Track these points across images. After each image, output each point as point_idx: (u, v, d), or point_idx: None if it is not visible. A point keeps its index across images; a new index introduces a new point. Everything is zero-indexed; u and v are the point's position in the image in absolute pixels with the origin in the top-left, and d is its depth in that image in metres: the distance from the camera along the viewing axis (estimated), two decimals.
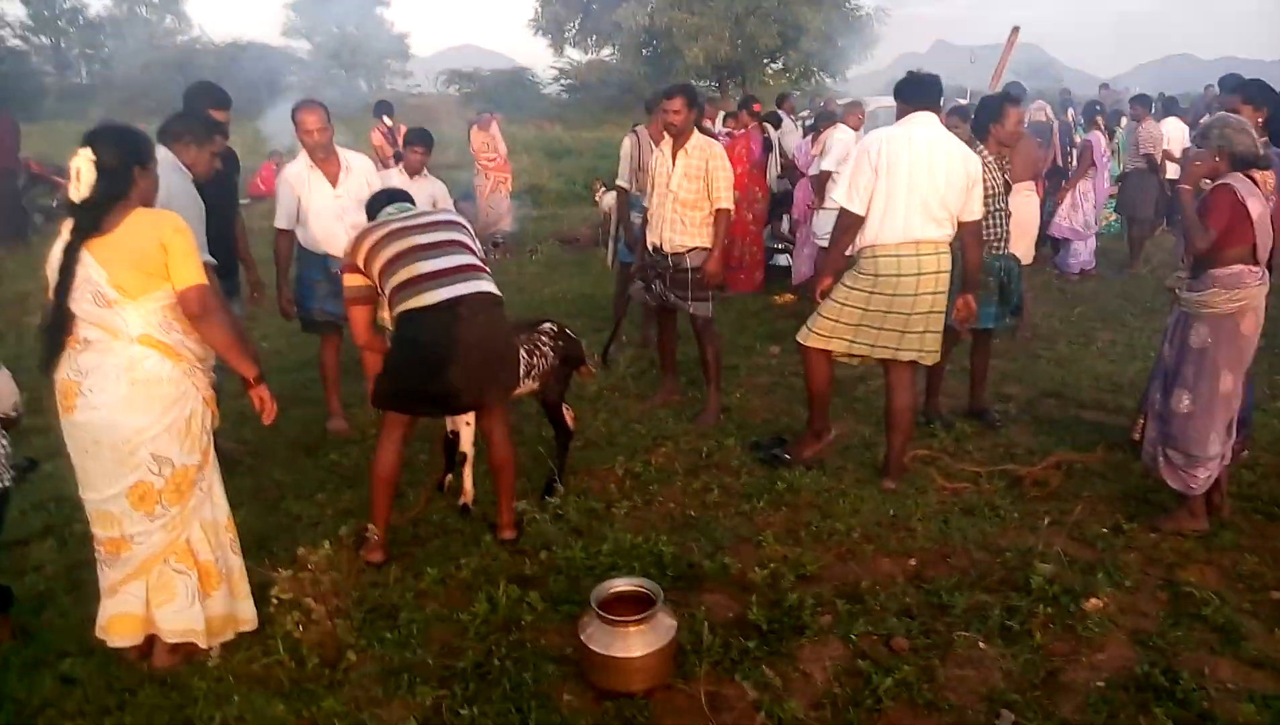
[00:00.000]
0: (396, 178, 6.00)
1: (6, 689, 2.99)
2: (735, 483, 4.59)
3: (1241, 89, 4.34)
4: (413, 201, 3.96)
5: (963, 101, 11.20)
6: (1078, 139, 11.90)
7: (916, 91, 4.46)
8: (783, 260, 9.42)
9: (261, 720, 2.78)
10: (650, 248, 5.44)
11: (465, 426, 4.18)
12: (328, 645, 3.10)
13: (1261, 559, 3.84)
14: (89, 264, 2.83)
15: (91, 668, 3.05)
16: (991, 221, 5.05)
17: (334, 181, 4.99)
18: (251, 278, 5.03)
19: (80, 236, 2.83)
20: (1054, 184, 10.17)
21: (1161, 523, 4.07)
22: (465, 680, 3.00)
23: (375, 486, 3.75)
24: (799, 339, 4.63)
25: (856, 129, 8.08)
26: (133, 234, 2.84)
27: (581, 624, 2.98)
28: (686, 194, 5.22)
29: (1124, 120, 10.81)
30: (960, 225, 4.40)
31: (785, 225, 9.62)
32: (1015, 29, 5.73)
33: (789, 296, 8.40)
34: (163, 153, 4.03)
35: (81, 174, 2.81)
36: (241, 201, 12.43)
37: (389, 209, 3.79)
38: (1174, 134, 9.94)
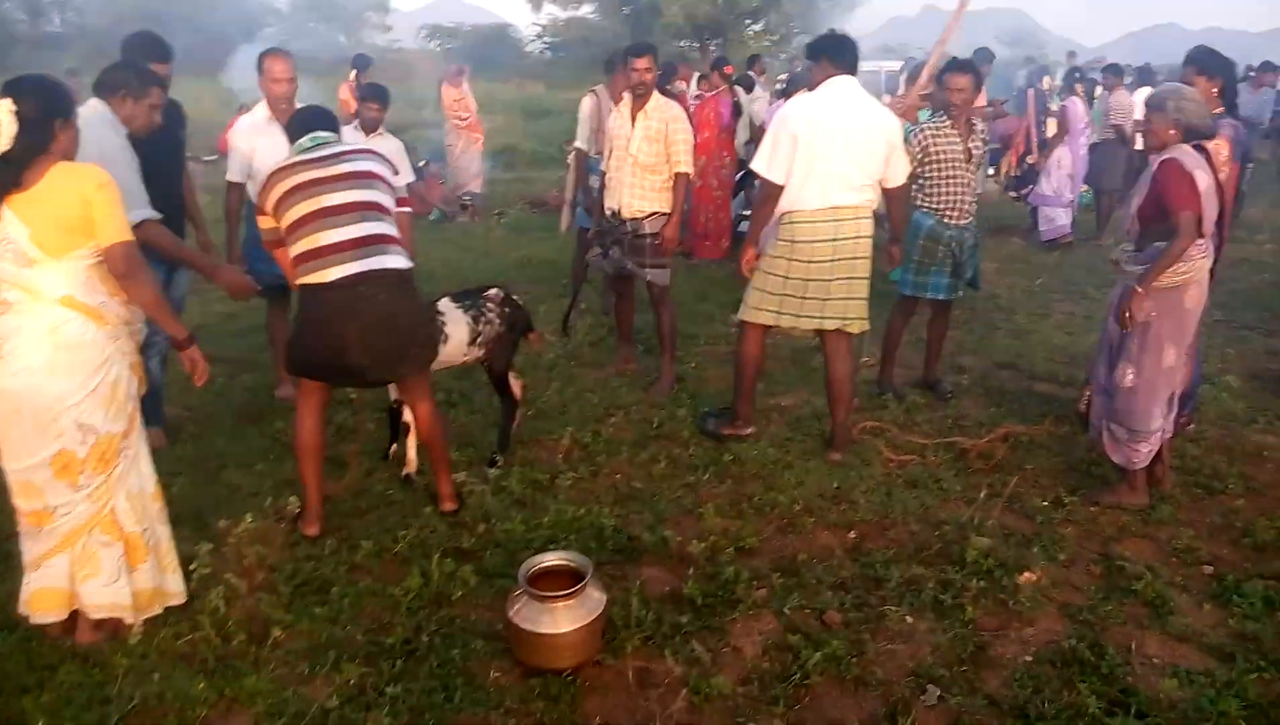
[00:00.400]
0: (352, 135, 5.88)
1: None
2: (684, 454, 4.57)
3: (1196, 60, 4.30)
4: (333, 124, 3.78)
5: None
6: (1054, 106, 11.86)
7: (837, 52, 4.34)
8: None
9: (182, 699, 2.75)
10: (608, 212, 5.37)
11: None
12: (254, 621, 3.08)
13: (1197, 533, 3.87)
14: (9, 221, 2.74)
15: (12, 644, 3.00)
16: (945, 189, 5.02)
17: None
18: (202, 239, 4.91)
19: None
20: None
21: (1102, 496, 4.09)
22: (393, 657, 2.98)
23: (300, 456, 3.70)
24: (737, 314, 4.60)
25: None
26: (54, 189, 2.75)
27: (510, 600, 2.96)
28: (646, 157, 5.14)
29: (1098, 89, 10.75)
30: (885, 191, 4.41)
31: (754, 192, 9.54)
32: None
33: None
34: (97, 106, 3.92)
35: (1, 126, 2.72)
36: (210, 157, 12.28)
37: (303, 140, 3.63)
38: None
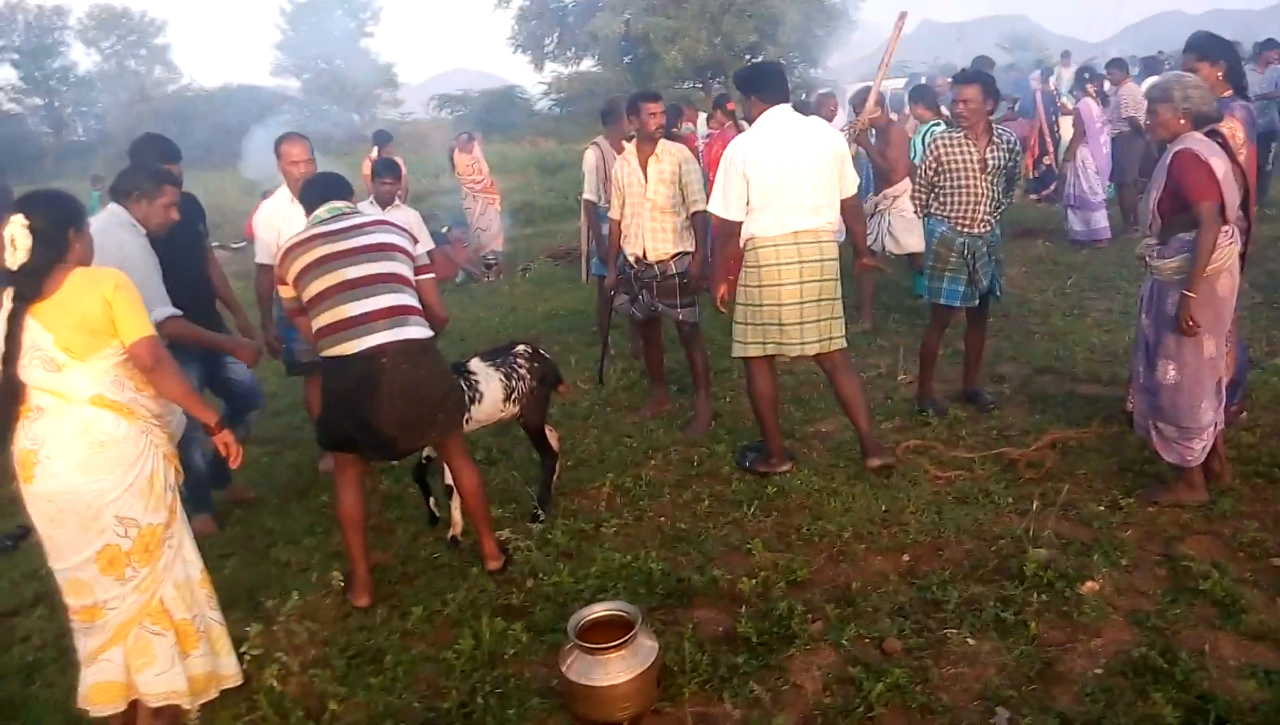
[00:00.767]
0: (369, 209, 5.97)
1: None
2: (726, 490, 4.53)
3: (1195, 47, 4.24)
4: (348, 192, 3.82)
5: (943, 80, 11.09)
6: (1067, 104, 11.79)
7: (763, 86, 4.49)
8: None
9: None
10: (631, 259, 5.40)
11: None
12: (310, 696, 3.07)
13: (1263, 525, 3.75)
14: (34, 329, 2.81)
15: None
16: (956, 198, 5.02)
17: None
18: (240, 322, 4.96)
19: (23, 302, 2.82)
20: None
21: (1159, 495, 3.98)
22: (450, 721, 2.96)
23: (345, 528, 3.72)
24: (732, 353, 4.68)
25: (830, 119, 8.01)
26: (75, 294, 2.83)
27: (562, 654, 2.93)
28: (663, 200, 5.20)
29: (1105, 85, 10.68)
30: (840, 203, 4.49)
31: None
32: (902, 14, 5.66)
33: None
34: (115, 210, 4.04)
35: (17, 241, 2.80)
36: (238, 245, 12.58)
37: (320, 211, 3.66)
38: None
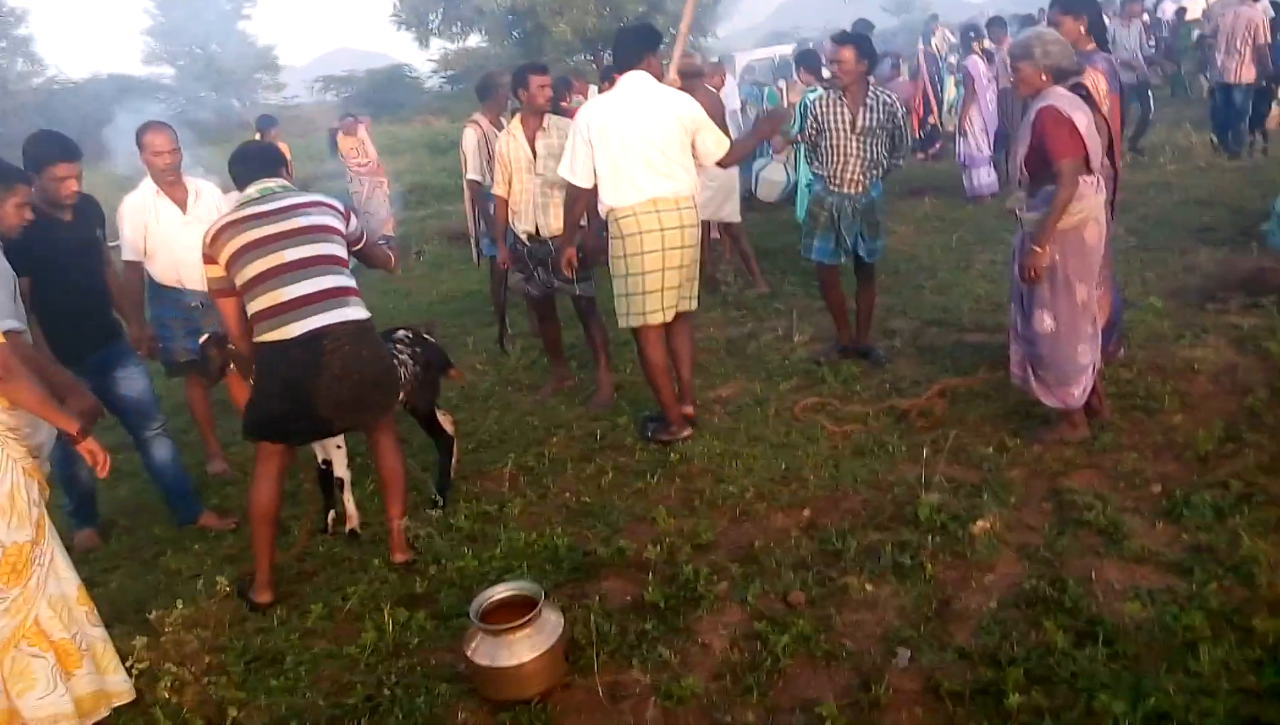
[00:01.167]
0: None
1: None
2: (630, 461, 4.52)
3: (1058, 1, 4.37)
4: (284, 166, 3.76)
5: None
6: (953, 60, 12.09)
7: (617, 53, 4.59)
8: None
9: None
10: (523, 236, 5.32)
11: (336, 449, 4.03)
12: (208, 705, 2.96)
13: (1141, 455, 3.92)
14: None
15: None
16: (830, 158, 5.15)
17: (183, 207, 4.74)
18: (134, 335, 4.56)
19: None
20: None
21: (1044, 435, 4.13)
22: (356, 716, 2.88)
23: (255, 524, 3.60)
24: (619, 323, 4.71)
25: (719, 88, 8.02)
26: None
27: (466, 639, 2.88)
28: (553, 175, 5.10)
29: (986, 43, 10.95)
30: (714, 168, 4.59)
31: None
32: None
33: None
34: None
35: None
36: (115, 243, 11.98)
37: (251, 191, 3.56)
38: None
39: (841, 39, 5.13)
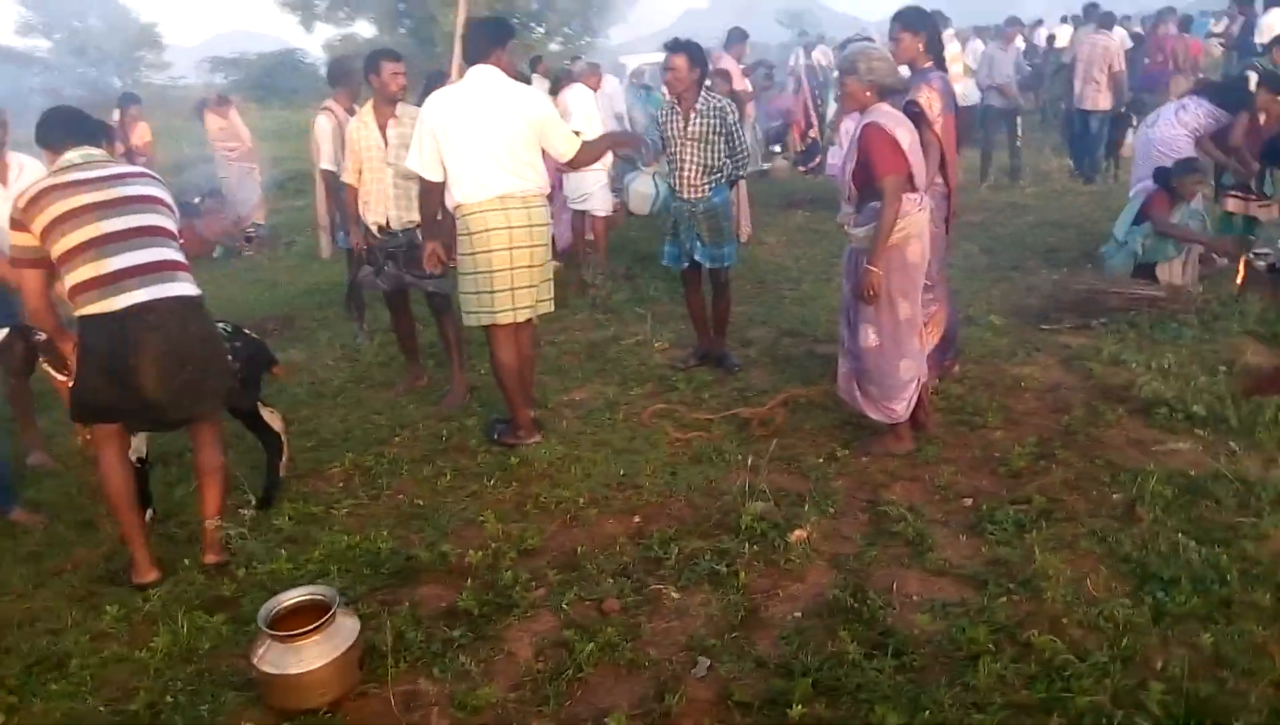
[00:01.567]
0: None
1: None
2: (470, 464, 4.46)
3: (900, 17, 4.49)
4: (101, 134, 3.56)
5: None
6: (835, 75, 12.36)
7: (469, 47, 4.45)
8: None
9: None
10: (373, 228, 5.19)
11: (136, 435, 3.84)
12: None
13: (959, 468, 4.05)
14: None
15: None
16: (673, 165, 5.22)
17: (4, 182, 4.47)
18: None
19: None
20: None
21: (871, 446, 4.23)
22: (137, 723, 2.75)
23: (116, 509, 3.48)
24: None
25: (596, 90, 8.02)
26: None
27: (253, 646, 2.78)
28: (405, 165, 5.00)
29: None
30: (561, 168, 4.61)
31: None
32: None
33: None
34: None
35: None
36: None
37: (71, 156, 3.36)
38: None
39: (673, 47, 5.15)
